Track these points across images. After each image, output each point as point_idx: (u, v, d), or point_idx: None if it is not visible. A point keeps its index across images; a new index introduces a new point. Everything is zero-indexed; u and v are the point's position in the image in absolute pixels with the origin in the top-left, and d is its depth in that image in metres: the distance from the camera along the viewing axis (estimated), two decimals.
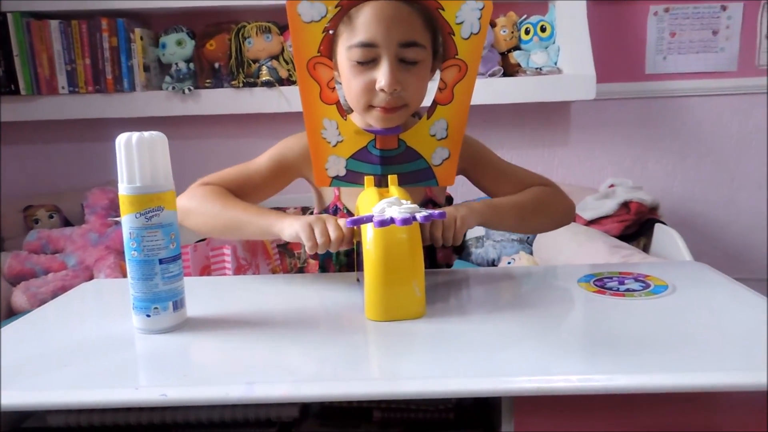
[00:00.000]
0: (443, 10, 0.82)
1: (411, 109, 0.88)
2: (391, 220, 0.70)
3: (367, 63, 0.83)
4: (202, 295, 0.83)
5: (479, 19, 0.82)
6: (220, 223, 0.91)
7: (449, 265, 1.04)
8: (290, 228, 0.81)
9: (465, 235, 1.92)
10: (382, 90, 0.82)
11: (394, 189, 0.83)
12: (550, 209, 0.99)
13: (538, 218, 0.98)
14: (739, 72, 2.22)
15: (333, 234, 0.78)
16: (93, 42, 2.00)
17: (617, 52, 2.20)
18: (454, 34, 0.83)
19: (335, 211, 0.98)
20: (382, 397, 0.58)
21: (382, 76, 0.82)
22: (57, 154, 2.23)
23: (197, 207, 0.92)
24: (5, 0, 1.96)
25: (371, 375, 0.61)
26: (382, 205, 0.73)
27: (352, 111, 0.93)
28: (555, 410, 0.58)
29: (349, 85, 0.86)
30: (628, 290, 0.78)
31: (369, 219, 0.71)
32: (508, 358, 0.62)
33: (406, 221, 0.69)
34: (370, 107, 0.86)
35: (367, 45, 0.82)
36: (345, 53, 0.84)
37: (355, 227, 0.79)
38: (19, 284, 1.75)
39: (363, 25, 0.82)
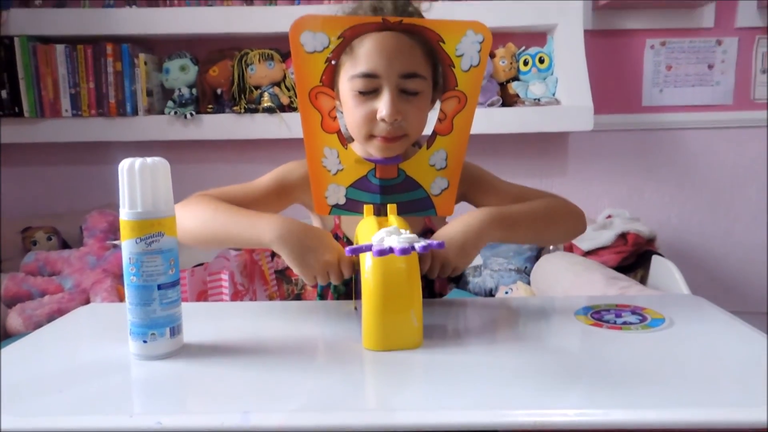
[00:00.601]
0: (444, 42, 0.83)
1: (411, 139, 0.89)
2: (390, 250, 0.70)
3: (369, 93, 0.85)
4: (198, 321, 0.82)
5: (479, 51, 0.83)
6: (209, 228, 0.89)
7: (442, 295, 1.04)
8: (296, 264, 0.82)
9: None
10: (383, 120, 0.84)
11: (393, 218, 0.84)
12: (564, 217, 0.98)
13: (552, 227, 0.97)
14: (734, 105, 2.25)
15: (335, 281, 0.82)
16: (97, 66, 2.02)
17: (614, 84, 2.23)
18: (454, 66, 0.84)
19: (335, 239, 0.98)
20: (378, 428, 0.58)
21: (383, 106, 0.84)
22: (57, 176, 2.24)
23: (187, 212, 0.90)
24: (13, 24, 1.99)
25: (367, 406, 0.61)
26: (381, 234, 0.74)
27: (353, 140, 0.94)
28: None
29: (351, 114, 0.87)
30: (625, 323, 0.78)
31: (368, 248, 0.71)
32: (506, 391, 0.61)
33: (405, 251, 0.69)
34: (371, 137, 0.87)
35: (368, 75, 0.84)
36: (347, 83, 0.86)
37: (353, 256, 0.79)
38: (14, 306, 1.73)
39: (365, 55, 0.84)
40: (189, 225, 0.88)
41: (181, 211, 0.88)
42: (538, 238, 1.04)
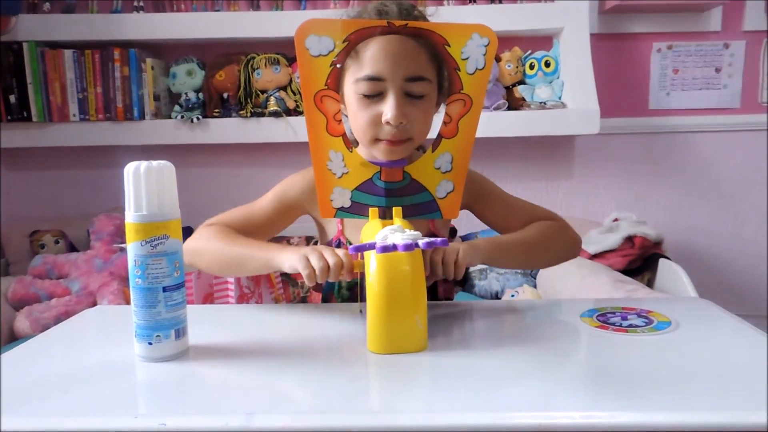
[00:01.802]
0: (449, 45, 0.83)
1: (416, 142, 0.89)
2: (394, 247, 0.70)
3: (374, 96, 0.85)
4: (203, 323, 0.83)
5: (484, 55, 0.83)
6: (225, 260, 0.92)
7: (449, 299, 1.04)
8: (288, 260, 0.82)
9: (468, 269, 1.92)
10: (387, 123, 0.84)
11: (398, 221, 0.84)
12: (556, 245, 0.99)
13: (542, 254, 0.99)
14: (742, 109, 2.24)
15: (331, 260, 0.78)
16: (105, 71, 2.04)
17: (621, 87, 2.23)
18: (459, 70, 0.84)
19: (338, 245, 0.98)
20: (382, 430, 0.57)
21: (388, 109, 0.84)
22: (65, 180, 2.25)
23: (204, 246, 0.93)
24: (21, 29, 2.00)
25: (372, 408, 0.61)
26: (384, 232, 0.74)
27: (358, 144, 0.94)
28: None
29: (356, 117, 0.87)
30: (631, 326, 0.77)
31: (372, 246, 0.71)
32: (510, 393, 0.61)
33: (408, 247, 0.69)
34: (376, 140, 0.87)
35: (373, 78, 0.84)
36: (352, 86, 0.86)
37: (358, 259, 0.79)
38: (22, 309, 1.75)
39: (370, 59, 0.84)
40: (203, 257, 0.94)
41: (195, 245, 0.93)
42: (528, 265, 1.11)
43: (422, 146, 0.95)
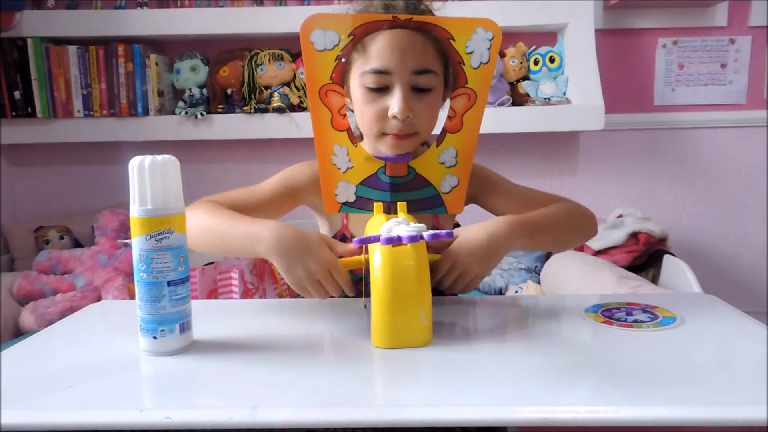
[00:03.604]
0: (454, 39, 0.83)
1: (422, 137, 0.89)
2: (399, 239, 0.70)
3: (380, 90, 0.84)
4: (208, 317, 0.83)
5: (488, 49, 0.83)
6: (206, 234, 0.87)
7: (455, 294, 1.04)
8: (285, 274, 0.81)
9: None
10: (394, 117, 0.83)
11: (403, 216, 0.84)
12: (579, 222, 0.98)
13: (570, 233, 0.97)
14: (747, 105, 2.23)
15: (329, 289, 0.80)
16: (109, 67, 2.04)
17: (626, 83, 2.22)
18: (464, 64, 0.84)
19: (343, 239, 0.98)
20: (386, 425, 0.57)
21: (395, 103, 0.83)
22: (69, 175, 2.26)
23: (189, 218, 0.85)
24: (26, 25, 2.01)
25: (376, 402, 0.60)
26: (389, 224, 0.74)
27: (363, 138, 0.94)
28: None
29: (362, 112, 0.87)
30: (635, 321, 0.77)
31: (376, 239, 0.71)
32: (515, 388, 0.61)
33: (413, 239, 0.69)
34: (382, 134, 0.87)
35: (380, 72, 0.83)
36: (358, 79, 0.86)
37: (363, 254, 0.79)
38: (27, 304, 1.75)
39: (377, 52, 0.83)
40: (190, 232, 0.84)
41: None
42: (557, 244, 1.03)
43: (426, 141, 0.95)
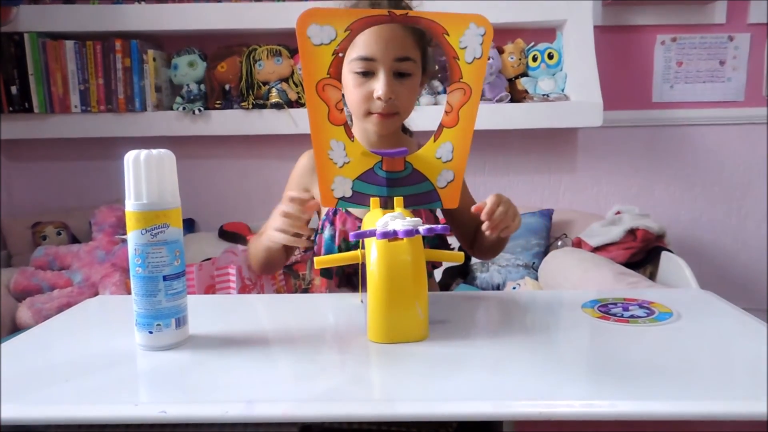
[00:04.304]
0: (448, 35, 0.83)
1: (403, 117, 1.00)
2: (394, 233, 0.70)
3: (366, 74, 0.96)
4: (204, 313, 0.83)
5: (481, 44, 0.84)
6: (259, 260, 1.04)
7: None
8: (270, 236, 0.92)
9: (470, 261, 1.91)
10: (379, 98, 0.94)
11: (399, 211, 0.84)
12: None
13: None
14: (746, 102, 2.23)
15: (284, 216, 0.90)
16: (107, 62, 2.03)
17: (624, 80, 2.22)
18: (458, 59, 0.84)
19: (335, 213, 1.05)
20: (381, 419, 0.57)
21: (379, 86, 0.94)
22: (67, 171, 2.25)
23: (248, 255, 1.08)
24: (23, 20, 2.00)
25: (372, 396, 0.60)
26: (385, 219, 0.74)
27: (352, 122, 0.95)
28: None
29: (351, 93, 0.98)
30: (632, 317, 0.77)
31: (372, 233, 0.71)
32: (511, 382, 0.61)
33: (409, 233, 0.69)
34: (368, 113, 0.98)
35: (367, 59, 0.95)
36: (347, 65, 0.96)
37: (360, 248, 0.79)
38: (24, 300, 1.75)
39: (364, 42, 0.94)
40: (254, 269, 1.08)
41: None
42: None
43: (418, 142, 0.96)
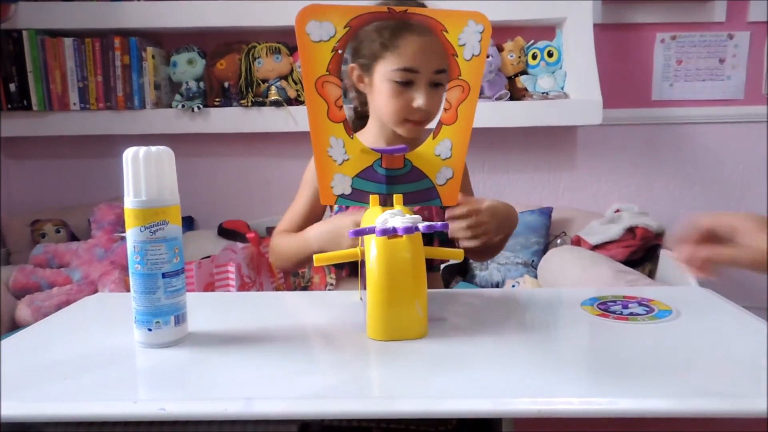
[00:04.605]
0: (447, 32, 0.83)
1: (431, 122, 1.03)
2: (394, 230, 0.70)
3: (405, 84, 0.99)
4: (203, 310, 0.82)
5: (479, 41, 0.84)
6: (289, 260, 1.09)
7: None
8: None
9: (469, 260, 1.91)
10: (419, 108, 0.99)
11: (398, 208, 0.83)
12: None
13: None
14: (745, 100, 2.22)
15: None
16: (105, 60, 2.03)
17: (624, 78, 2.21)
18: (457, 56, 0.84)
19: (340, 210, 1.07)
20: (380, 416, 0.57)
21: (420, 97, 0.99)
22: (66, 169, 2.24)
23: (274, 252, 1.13)
24: (21, 17, 1.99)
25: (371, 393, 0.60)
26: (385, 216, 0.73)
27: (359, 129, 0.95)
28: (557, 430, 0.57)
29: (387, 101, 1.02)
30: (631, 314, 0.77)
31: (372, 230, 0.71)
32: (510, 379, 0.61)
33: (408, 230, 0.69)
34: (405, 121, 1.03)
35: (409, 70, 0.99)
36: (386, 74, 1.00)
37: (359, 246, 0.79)
38: (23, 298, 1.74)
39: (409, 53, 0.98)
40: (277, 260, 1.13)
41: (271, 256, 1.15)
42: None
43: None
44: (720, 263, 0.67)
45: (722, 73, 2.21)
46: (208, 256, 1.76)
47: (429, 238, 1.02)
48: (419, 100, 0.99)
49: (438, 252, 0.84)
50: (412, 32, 0.98)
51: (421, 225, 0.70)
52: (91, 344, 0.73)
